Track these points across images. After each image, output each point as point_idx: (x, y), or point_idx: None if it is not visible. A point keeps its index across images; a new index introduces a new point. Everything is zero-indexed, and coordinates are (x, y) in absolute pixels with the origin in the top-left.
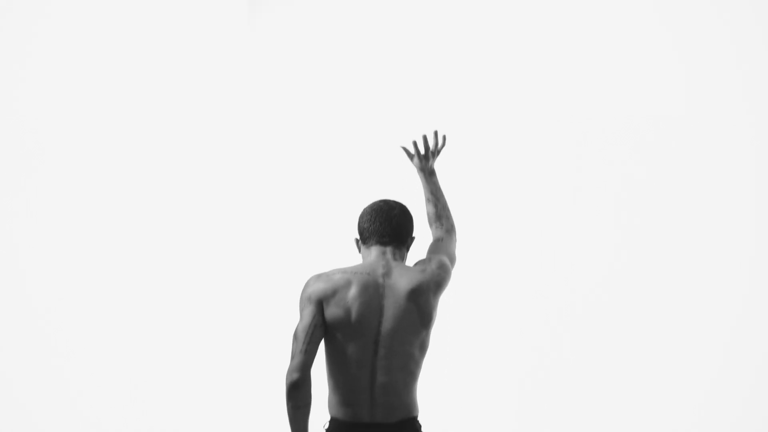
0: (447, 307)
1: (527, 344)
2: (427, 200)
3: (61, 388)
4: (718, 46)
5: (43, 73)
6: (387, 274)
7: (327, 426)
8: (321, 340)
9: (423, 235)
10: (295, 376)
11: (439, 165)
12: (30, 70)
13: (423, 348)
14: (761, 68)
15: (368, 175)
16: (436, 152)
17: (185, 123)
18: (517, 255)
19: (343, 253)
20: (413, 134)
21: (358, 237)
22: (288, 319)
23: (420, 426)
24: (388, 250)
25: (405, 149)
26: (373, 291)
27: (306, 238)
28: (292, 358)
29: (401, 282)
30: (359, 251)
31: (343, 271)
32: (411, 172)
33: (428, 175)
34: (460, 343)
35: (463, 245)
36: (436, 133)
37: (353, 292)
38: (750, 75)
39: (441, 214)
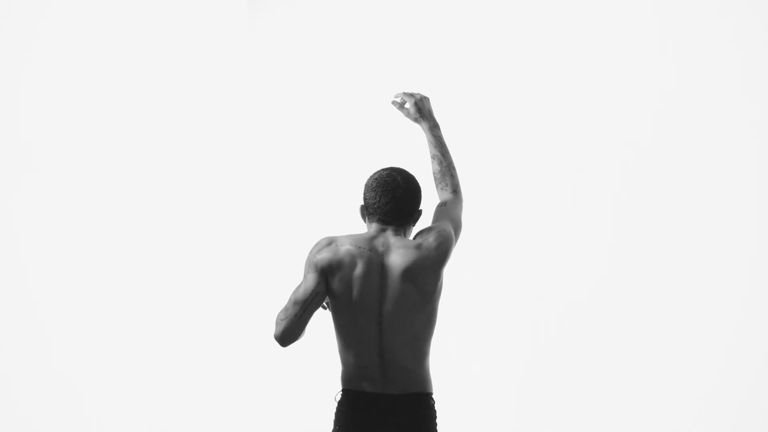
0: (447, 306)
1: (527, 344)
2: (432, 157)
3: (61, 388)
4: (718, 47)
5: (43, 74)
6: (386, 252)
7: (339, 397)
8: (318, 307)
9: (431, 203)
10: (280, 342)
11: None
12: (30, 70)
13: (429, 325)
14: (761, 68)
15: (367, 175)
16: (423, 109)
17: (185, 123)
18: (516, 254)
19: None
20: (412, 134)
21: (363, 204)
22: None
23: (434, 402)
24: (390, 228)
25: (394, 103)
26: (374, 271)
27: (305, 238)
28: (286, 318)
29: (398, 261)
30: (364, 220)
31: (351, 243)
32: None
33: (430, 127)
34: (459, 343)
35: (463, 245)
36: (406, 95)
37: (358, 270)
38: (750, 75)
39: (445, 173)
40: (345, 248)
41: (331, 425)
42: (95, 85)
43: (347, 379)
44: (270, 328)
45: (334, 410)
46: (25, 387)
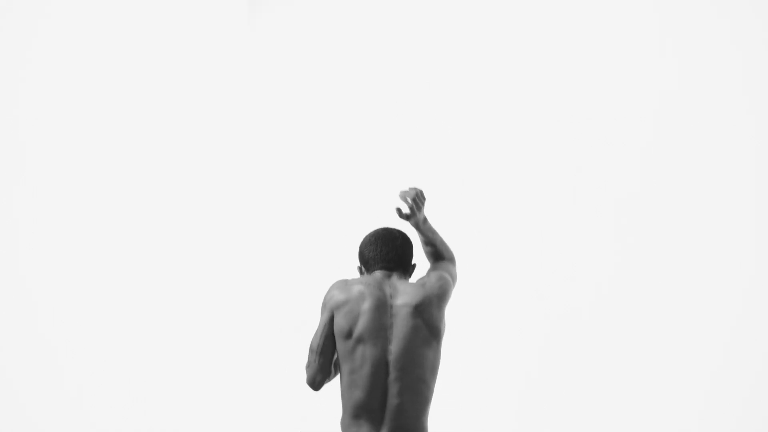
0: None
1: (527, 344)
2: (425, 244)
3: (61, 388)
4: (718, 47)
5: (43, 74)
6: (394, 293)
7: None
8: (333, 348)
9: (423, 263)
10: (311, 387)
11: (439, 163)
12: (30, 71)
13: (434, 370)
14: (761, 68)
15: (368, 175)
16: (419, 207)
17: (185, 122)
18: (516, 254)
19: (342, 253)
20: (412, 134)
21: (361, 266)
22: (287, 318)
23: None
24: (393, 273)
25: (398, 211)
26: (383, 307)
27: (305, 238)
28: (309, 366)
29: (406, 299)
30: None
31: (361, 282)
32: (411, 171)
33: (421, 224)
34: (459, 343)
35: (463, 244)
36: (407, 195)
37: (366, 305)
38: (750, 75)
39: (440, 250)
40: (355, 287)
41: (331, 425)
42: (95, 85)
43: (347, 424)
44: (269, 328)
45: None
46: (25, 387)
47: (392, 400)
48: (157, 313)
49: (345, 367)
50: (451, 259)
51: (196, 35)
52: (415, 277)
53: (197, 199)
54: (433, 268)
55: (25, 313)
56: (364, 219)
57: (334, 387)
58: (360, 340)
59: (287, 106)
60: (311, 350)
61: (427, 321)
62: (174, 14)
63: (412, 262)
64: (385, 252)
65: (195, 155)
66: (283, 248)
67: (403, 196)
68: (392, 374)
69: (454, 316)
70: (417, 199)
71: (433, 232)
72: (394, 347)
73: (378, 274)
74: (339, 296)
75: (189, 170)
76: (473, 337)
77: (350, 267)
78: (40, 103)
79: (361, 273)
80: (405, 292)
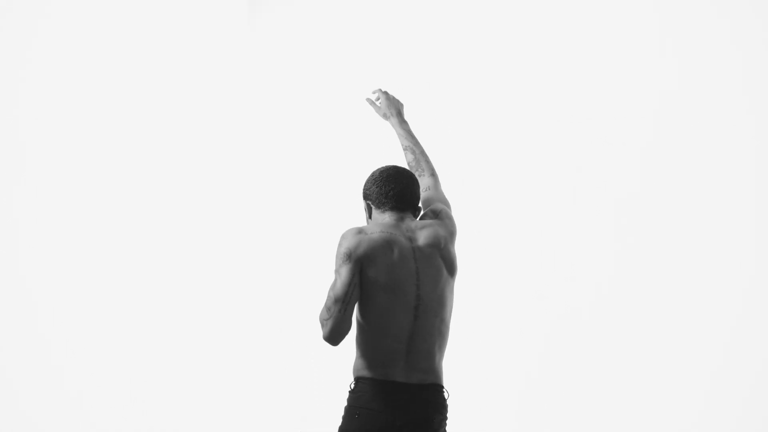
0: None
1: (527, 344)
2: (405, 148)
3: (61, 388)
4: (718, 47)
5: (43, 74)
6: (413, 235)
7: (353, 386)
8: (358, 298)
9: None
10: (331, 342)
11: (439, 164)
12: (30, 71)
13: (451, 307)
14: (761, 68)
15: (367, 175)
16: (390, 101)
17: (185, 122)
18: (516, 254)
19: None
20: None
21: (369, 203)
22: (287, 318)
23: (448, 396)
24: (406, 213)
25: (368, 99)
26: (408, 254)
27: (305, 238)
28: (331, 317)
29: (426, 241)
30: (369, 216)
31: (381, 230)
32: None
33: (400, 122)
34: (459, 343)
35: (463, 244)
36: (375, 92)
37: (394, 256)
38: (750, 75)
39: (420, 159)
40: (377, 235)
41: (332, 426)
42: (95, 85)
43: (367, 367)
44: (269, 328)
45: (347, 399)
46: (25, 387)
47: (420, 345)
48: (157, 313)
49: (371, 314)
50: (433, 175)
51: (196, 35)
52: None
53: (197, 199)
54: (428, 202)
55: (25, 313)
56: (363, 219)
57: (335, 387)
58: (390, 290)
59: (287, 105)
60: (336, 300)
61: (446, 260)
62: (174, 14)
63: (419, 204)
64: (398, 190)
65: (195, 155)
66: (283, 248)
67: (377, 92)
68: (420, 318)
69: (454, 315)
70: (387, 94)
71: (412, 135)
72: (423, 291)
73: (392, 217)
74: (364, 246)
75: (189, 170)
76: (473, 337)
77: None
78: (40, 103)
79: (368, 211)
80: (423, 235)
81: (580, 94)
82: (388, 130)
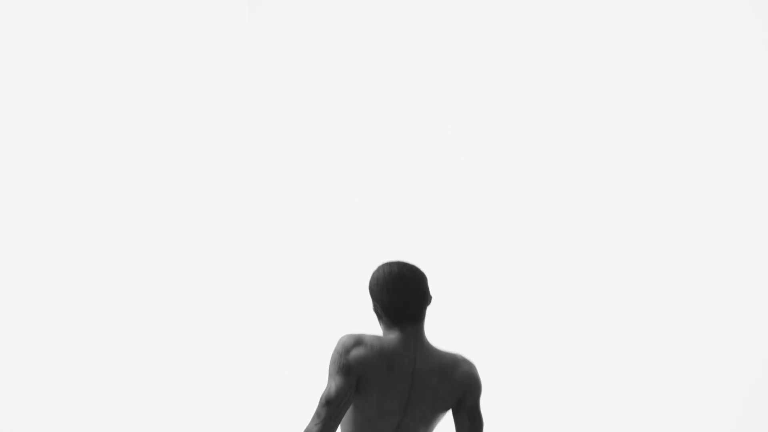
0: (447, 306)
1: (526, 344)
2: None
3: (61, 388)
4: (718, 47)
5: (43, 73)
6: (417, 358)
7: None
8: (349, 406)
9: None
10: None
11: (439, 163)
12: (30, 70)
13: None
14: (761, 68)
15: (367, 175)
16: None
17: (185, 122)
18: (516, 254)
19: (341, 252)
20: (412, 134)
21: (379, 310)
22: (287, 319)
23: None
24: (417, 332)
25: None
26: (406, 378)
27: (305, 238)
28: (321, 421)
29: (429, 370)
30: (380, 320)
31: (381, 346)
32: (409, 172)
33: None
34: (459, 343)
35: (463, 245)
36: None
37: (391, 375)
38: (750, 75)
39: None
40: (377, 350)
41: None
42: (95, 85)
43: None
44: (269, 328)
45: None
46: (25, 387)
47: None
48: (157, 314)
49: (357, 419)
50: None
51: (196, 35)
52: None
53: (197, 199)
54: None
55: (25, 313)
56: (364, 219)
57: None
58: (378, 406)
59: (287, 105)
60: (328, 402)
61: (443, 398)
62: (174, 14)
63: (430, 294)
64: (410, 303)
65: (195, 155)
66: (283, 249)
67: None
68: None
69: (454, 315)
70: None
71: None
72: (408, 418)
73: (399, 333)
74: (363, 358)
75: (189, 170)
76: (473, 337)
77: (350, 267)
78: (40, 103)
79: (379, 317)
80: (431, 365)
81: (580, 94)
82: (388, 129)
